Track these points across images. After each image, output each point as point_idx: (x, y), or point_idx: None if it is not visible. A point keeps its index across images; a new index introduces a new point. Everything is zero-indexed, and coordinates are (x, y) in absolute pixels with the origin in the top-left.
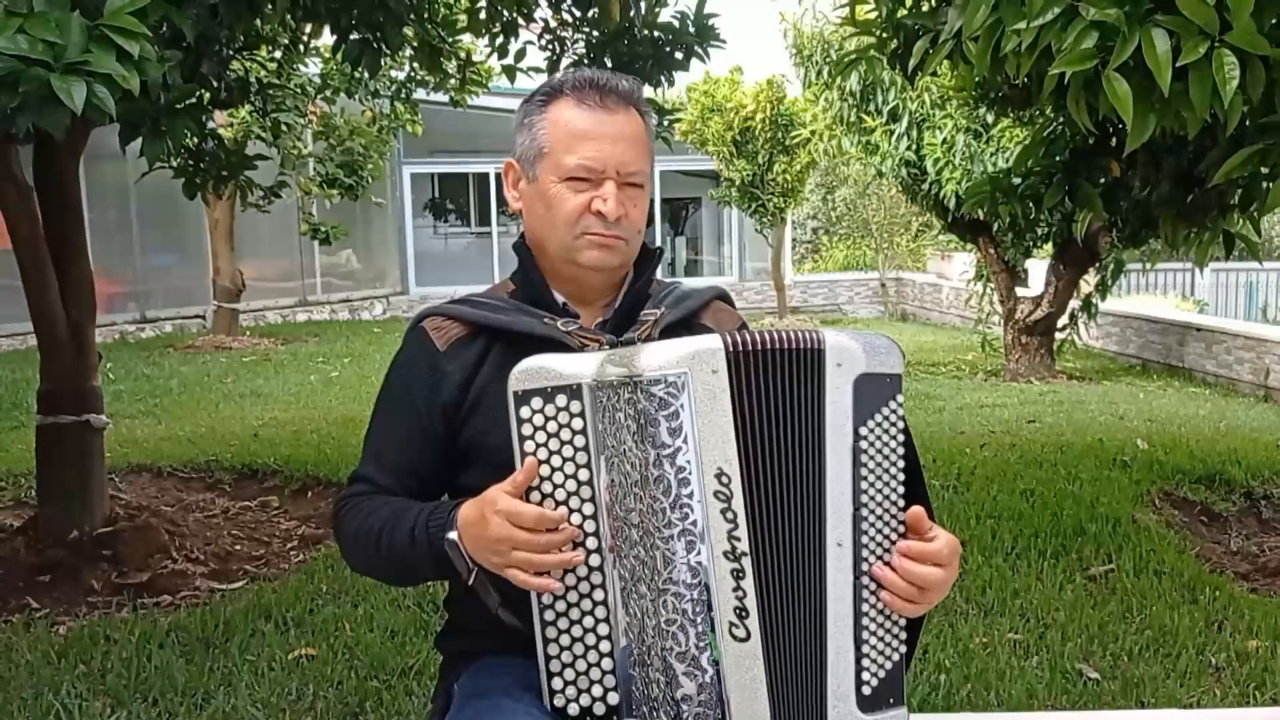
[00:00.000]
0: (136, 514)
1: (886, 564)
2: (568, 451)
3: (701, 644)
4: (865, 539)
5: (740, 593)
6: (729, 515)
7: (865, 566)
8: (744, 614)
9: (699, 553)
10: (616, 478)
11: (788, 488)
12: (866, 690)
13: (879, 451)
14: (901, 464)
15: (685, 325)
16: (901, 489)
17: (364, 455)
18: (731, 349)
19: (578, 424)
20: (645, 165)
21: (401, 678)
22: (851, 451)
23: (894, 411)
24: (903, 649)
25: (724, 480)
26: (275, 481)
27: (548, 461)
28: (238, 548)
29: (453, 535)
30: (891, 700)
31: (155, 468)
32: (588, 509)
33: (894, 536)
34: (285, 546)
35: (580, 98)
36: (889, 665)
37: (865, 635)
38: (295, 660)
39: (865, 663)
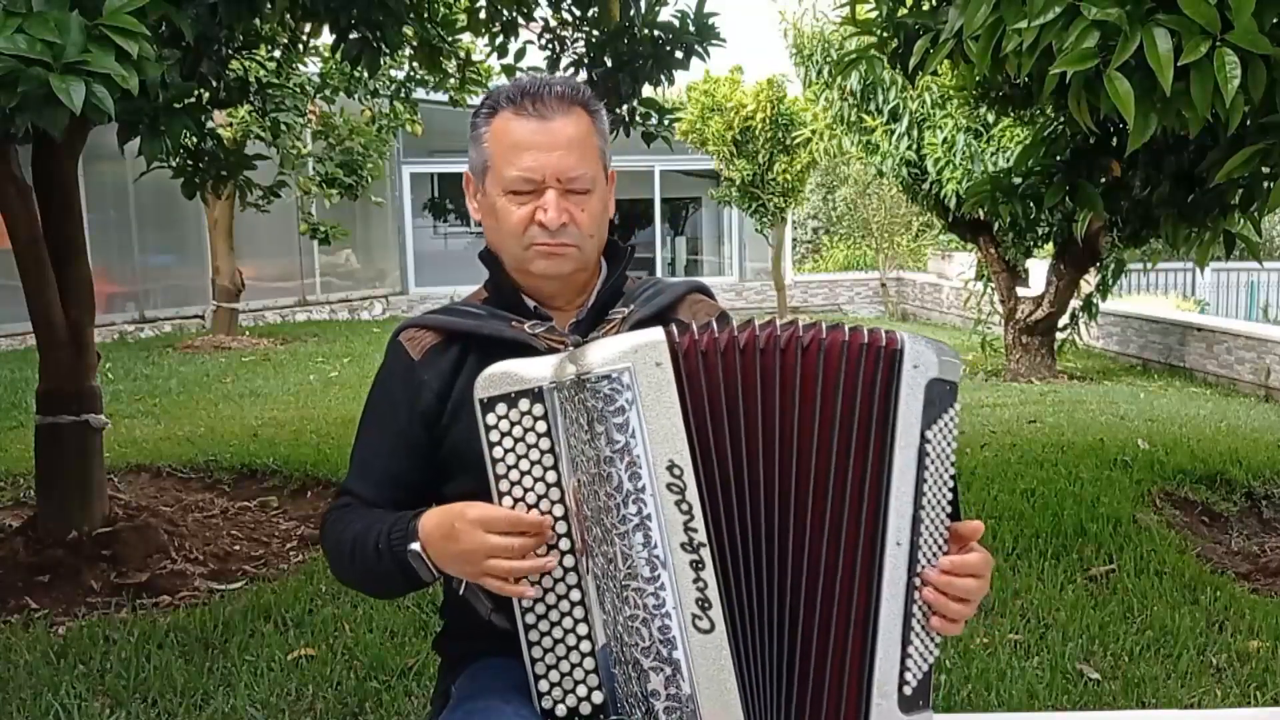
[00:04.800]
0: (135, 514)
1: (935, 568)
2: (534, 455)
3: (665, 637)
4: (920, 540)
5: (701, 584)
6: (684, 507)
7: (918, 568)
8: (706, 605)
9: (655, 546)
10: (581, 478)
11: (781, 481)
12: (907, 690)
13: (939, 456)
14: (953, 470)
15: (659, 320)
16: (951, 495)
17: (350, 469)
18: (675, 341)
19: (541, 427)
20: (590, 167)
21: (401, 678)
22: (918, 454)
23: (952, 419)
24: (937, 652)
25: (676, 472)
26: (274, 481)
27: (516, 466)
28: (237, 548)
29: (414, 546)
30: (922, 703)
31: (154, 468)
32: (558, 510)
33: (943, 541)
34: (284, 547)
35: (516, 108)
36: (926, 667)
37: (911, 636)
38: (294, 661)
39: (909, 663)
